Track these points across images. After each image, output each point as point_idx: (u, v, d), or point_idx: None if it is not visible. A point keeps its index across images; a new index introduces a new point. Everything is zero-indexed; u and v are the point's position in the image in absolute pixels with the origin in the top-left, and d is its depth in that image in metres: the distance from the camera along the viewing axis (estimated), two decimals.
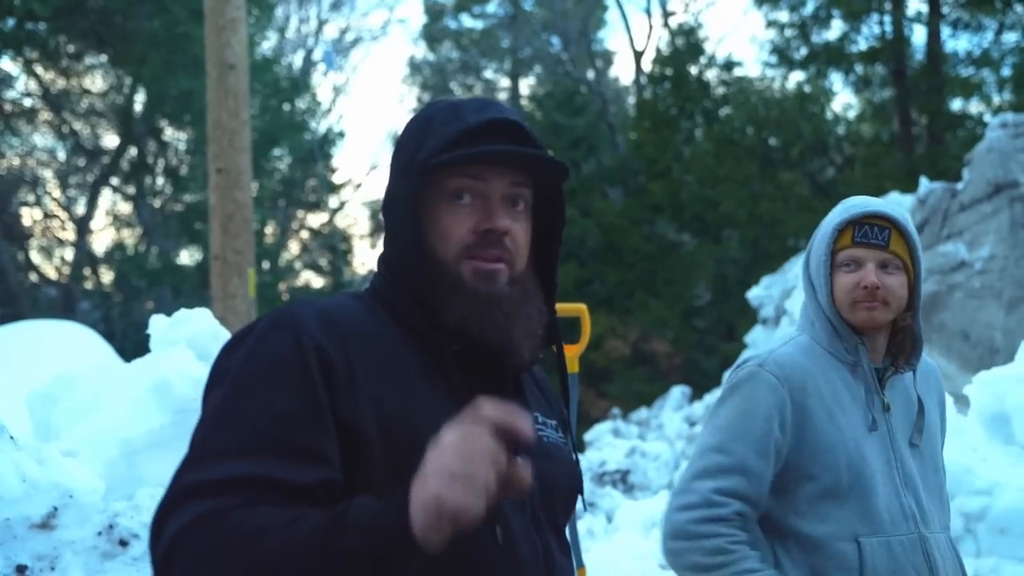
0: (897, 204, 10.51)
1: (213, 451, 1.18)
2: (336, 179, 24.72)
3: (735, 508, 2.00)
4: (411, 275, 1.34)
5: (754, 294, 11.70)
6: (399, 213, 1.35)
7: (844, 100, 34.76)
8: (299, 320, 1.29)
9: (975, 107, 19.94)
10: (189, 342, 3.79)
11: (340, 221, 25.05)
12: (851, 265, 2.07)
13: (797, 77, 21.54)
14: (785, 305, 10.41)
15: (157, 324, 3.85)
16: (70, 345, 6.64)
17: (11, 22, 16.58)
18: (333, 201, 24.74)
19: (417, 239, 1.34)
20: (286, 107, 21.78)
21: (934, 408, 2.19)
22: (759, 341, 11.04)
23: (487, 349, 1.33)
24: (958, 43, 31.72)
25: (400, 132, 1.44)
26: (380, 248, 1.46)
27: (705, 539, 1.98)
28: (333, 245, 23.83)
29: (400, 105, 28.68)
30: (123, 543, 3.00)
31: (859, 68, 20.39)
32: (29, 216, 22.17)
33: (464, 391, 1.29)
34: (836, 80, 22.37)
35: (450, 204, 1.35)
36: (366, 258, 26.38)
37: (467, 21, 26.53)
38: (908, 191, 11.27)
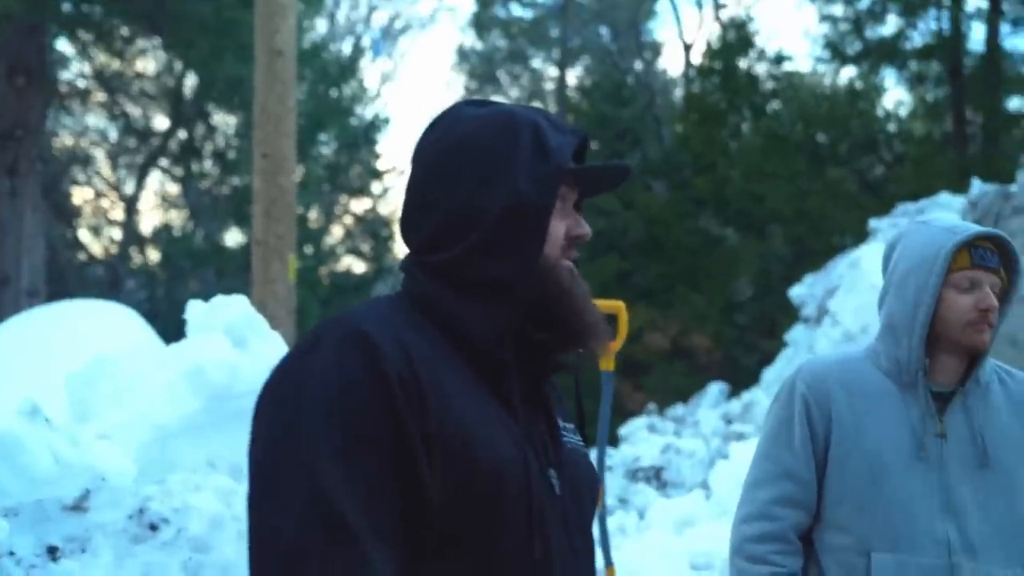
0: (947, 206, 10.22)
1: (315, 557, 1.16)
2: (381, 165, 24.77)
3: (790, 521, 2.09)
4: (520, 278, 1.33)
5: (796, 292, 11.54)
6: (527, 219, 1.34)
7: (896, 97, 34.21)
8: (372, 340, 1.25)
9: None
10: (226, 328, 3.82)
11: (383, 208, 25.11)
12: (969, 287, 2.07)
13: (849, 73, 21.22)
14: (828, 304, 10.25)
15: (194, 309, 3.88)
16: (111, 326, 6.72)
17: (68, 5, 16.81)
18: (377, 187, 24.81)
19: (541, 244, 1.35)
20: (333, 92, 21.86)
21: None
22: (800, 340, 10.88)
23: (561, 345, 1.37)
24: (1018, 41, 31.13)
25: (459, 141, 1.39)
26: (409, 254, 1.41)
27: (757, 564, 2.07)
28: (376, 231, 23.91)
29: (447, 92, 28.67)
30: (153, 527, 3.03)
31: (914, 65, 20.01)
32: (80, 195, 22.55)
33: (511, 397, 1.33)
34: (889, 76, 22.00)
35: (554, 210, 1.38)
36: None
37: (516, 10, 26.43)
38: (959, 191, 11.03)
